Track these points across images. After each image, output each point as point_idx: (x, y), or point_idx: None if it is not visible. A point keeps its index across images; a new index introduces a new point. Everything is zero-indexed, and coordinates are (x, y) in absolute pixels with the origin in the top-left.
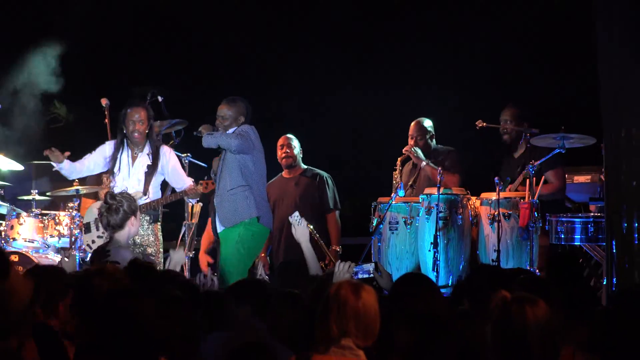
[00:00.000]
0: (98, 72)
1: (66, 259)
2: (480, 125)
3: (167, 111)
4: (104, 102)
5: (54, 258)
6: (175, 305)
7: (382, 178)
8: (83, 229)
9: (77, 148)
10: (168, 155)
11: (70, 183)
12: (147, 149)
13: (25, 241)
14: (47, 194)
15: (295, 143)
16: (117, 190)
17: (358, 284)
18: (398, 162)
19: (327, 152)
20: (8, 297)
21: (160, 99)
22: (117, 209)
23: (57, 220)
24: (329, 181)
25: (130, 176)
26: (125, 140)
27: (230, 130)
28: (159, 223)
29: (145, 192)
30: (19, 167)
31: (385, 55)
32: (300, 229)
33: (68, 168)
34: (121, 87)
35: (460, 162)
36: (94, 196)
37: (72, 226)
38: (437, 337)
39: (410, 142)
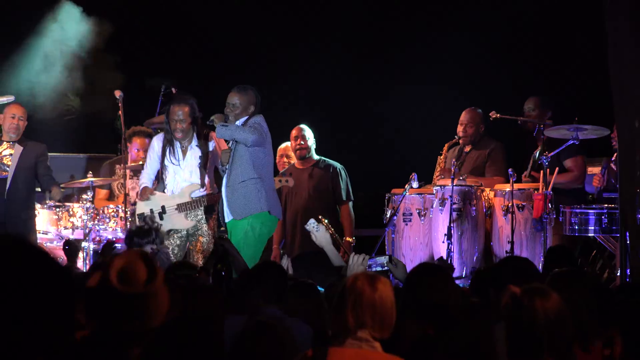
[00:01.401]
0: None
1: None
2: (494, 116)
3: None
4: (118, 94)
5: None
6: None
7: (395, 169)
8: (137, 218)
9: (90, 139)
10: (215, 141)
11: (84, 174)
12: (195, 141)
13: (40, 233)
14: (61, 185)
15: (309, 134)
16: (169, 183)
17: (374, 275)
18: (445, 147)
19: (340, 143)
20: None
21: (174, 90)
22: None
23: (71, 212)
24: (342, 172)
25: (182, 169)
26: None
27: (241, 120)
28: (215, 213)
29: (202, 184)
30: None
31: (400, 49)
32: (320, 234)
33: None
34: (135, 79)
35: (504, 159)
36: (107, 187)
37: (85, 218)
38: (448, 329)
39: (459, 129)
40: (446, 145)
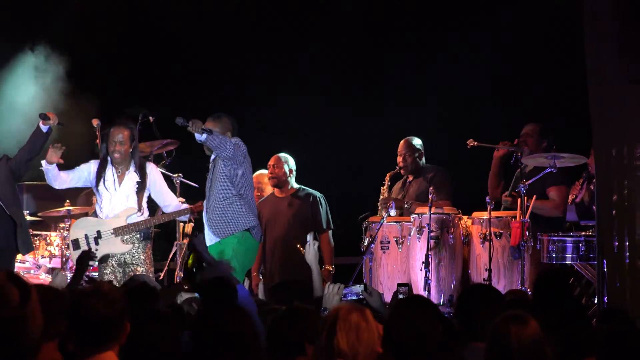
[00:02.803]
0: (91, 91)
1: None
2: (472, 144)
3: (159, 131)
4: (95, 122)
5: (45, 279)
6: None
7: (373, 197)
8: (71, 245)
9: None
10: (155, 171)
11: (61, 203)
12: (132, 167)
13: (17, 262)
14: (38, 214)
15: (285, 163)
16: (104, 207)
17: (362, 308)
18: (387, 178)
19: (318, 171)
20: (28, 323)
21: (151, 119)
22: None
23: (49, 241)
24: (322, 201)
25: (118, 193)
26: (109, 158)
27: None
28: (150, 241)
29: (139, 209)
30: None
31: (374, 74)
32: (313, 250)
33: (54, 173)
34: (113, 107)
35: (449, 183)
36: (85, 215)
37: (63, 246)
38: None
39: (399, 159)
40: (388, 175)
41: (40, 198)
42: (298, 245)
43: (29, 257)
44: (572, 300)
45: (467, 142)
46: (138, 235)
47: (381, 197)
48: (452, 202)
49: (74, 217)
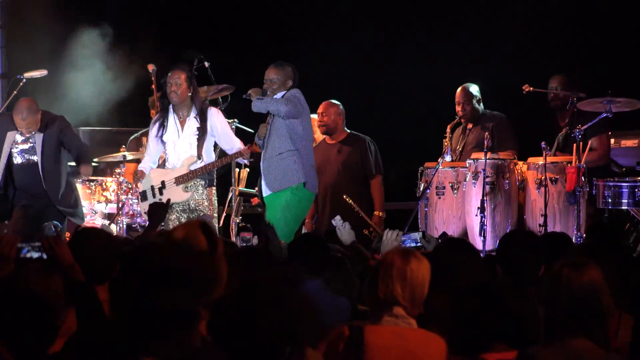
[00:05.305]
0: (145, 38)
1: (108, 224)
2: (527, 89)
3: (214, 76)
4: (151, 67)
5: (101, 224)
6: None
7: (428, 142)
8: (139, 196)
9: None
10: (216, 116)
11: (117, 149)
12: (193, 112)
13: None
14: (94, 159)
15: (333, 110)
16: (170, 156)
17: (410, 251)
18: (448, 129)
19: (373, 117)
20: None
21: (207, 64)
22: None
23: (104, 186)
24: (372, 146)
25: (181, 140)
26: (170, 106)
27: (279, 95)
28: (214, 187)
29: (199, 156)
30: None
31: (429, 20)
32: (345, 231)
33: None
34: (169, 53)
35: (513, 132)
36: (138, 161)
37: (119, 192)
38: (477, 306)
39: (458, 108)
40: (449, 126)
41: (97, 143)
42: (345, 197)
43: (85, 202)
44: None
45: (523, 87)
46: (203, 182)
47: (444, 148)
48: (517, 151)
49: (130, 163)
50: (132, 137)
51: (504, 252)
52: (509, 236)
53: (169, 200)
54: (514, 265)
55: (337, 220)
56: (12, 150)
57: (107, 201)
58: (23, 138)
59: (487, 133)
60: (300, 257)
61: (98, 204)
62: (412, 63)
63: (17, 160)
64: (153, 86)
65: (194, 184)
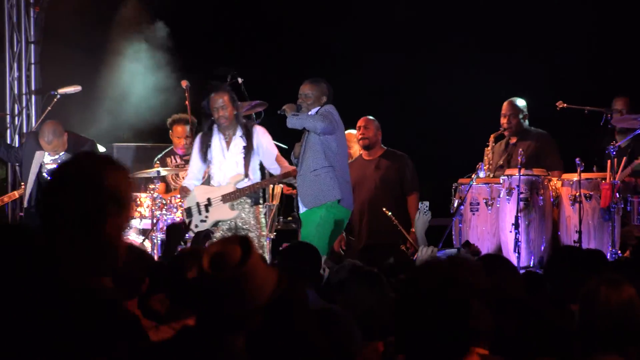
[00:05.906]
0: (179, 54)
1: (142, 240)
2: (561, 106)
3: (247, 93)
4: (184, 84)
5: (136, 239)
6: None
7: (461, 159)
8: (184, 213)
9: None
10: (262, 134)
11: (151, 165)
12: (239, 131)
13: None
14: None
15: (374, 125)
16: (215, 175)
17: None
18: (491, 138)
19: (408, 133)
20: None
21: (240, 80)
22: None
23: (139, 202)
24: (408, 162)
25: (227, 160)
26: (214, 126)
27: (313, 110)
28: (261, 206)
29: (246, 174)
30: (101, 148)
31: (468, 34)
32: (424, 218)
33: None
34: (201, 69)
35: (558, 152)
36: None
37: (153, 207)
38: (518, 322)
39: (503, 120)
40: (492, 136)
41: (130, 159)
42: (384, 209)
43: None
44: None
45: (557, 103)
46: (249, 200)
47: (485, 158)
48: (562, 169)
49: (163, 179)
50: (155, 160)
51: (554, 268)
52: (558, 251)
53: (208, 230)
54: (561, 281)
55: (424, 204)
56: (41, 169)
57: (142, 217)
58: (52, 158)
59: (520, 150)
60: (295, 267)
61: (132, 220)
62: (445, 81)
63: (46, 180)
64: (187, 102)
65: (241, 202)
